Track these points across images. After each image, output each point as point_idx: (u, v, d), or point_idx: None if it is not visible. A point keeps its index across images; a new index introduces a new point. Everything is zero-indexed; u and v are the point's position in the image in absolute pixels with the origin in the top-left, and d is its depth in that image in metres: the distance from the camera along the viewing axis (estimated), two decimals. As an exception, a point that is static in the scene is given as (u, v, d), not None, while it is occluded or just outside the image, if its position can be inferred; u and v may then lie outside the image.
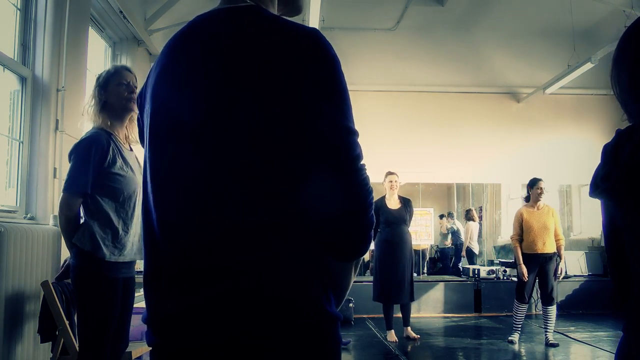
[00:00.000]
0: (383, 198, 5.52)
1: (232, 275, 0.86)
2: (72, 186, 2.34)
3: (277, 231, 0.87)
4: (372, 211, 0.91)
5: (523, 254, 5.10)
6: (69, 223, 2.35)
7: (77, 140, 2.46)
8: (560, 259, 5.12)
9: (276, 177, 0.87)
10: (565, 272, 5.23)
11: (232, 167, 0.87)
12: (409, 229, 5.55)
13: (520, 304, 5.13)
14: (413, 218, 5.64)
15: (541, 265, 5.05)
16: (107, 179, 2.36)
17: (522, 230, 5.15)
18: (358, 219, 0.90)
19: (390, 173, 5.55)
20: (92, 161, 2.33)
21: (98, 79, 2.51)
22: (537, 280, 5.12)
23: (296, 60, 0.88)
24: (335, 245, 0.92)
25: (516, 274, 5.22)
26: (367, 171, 0.91)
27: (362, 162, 0.91)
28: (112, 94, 2.46)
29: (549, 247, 5.04)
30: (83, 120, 2.51)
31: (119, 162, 2.40)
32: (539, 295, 5.31)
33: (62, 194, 2.39)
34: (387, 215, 5.41)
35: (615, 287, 1.19)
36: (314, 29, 0.93)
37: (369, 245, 0.94)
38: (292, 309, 0.86)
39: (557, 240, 5.12)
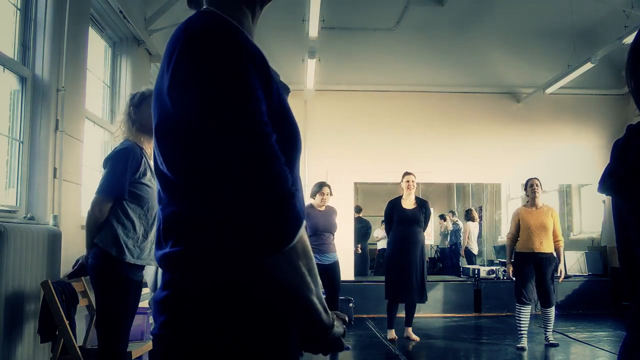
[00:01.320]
0: (399, 198, 5.56)
1: (166, 268, 0.93)
2: (108, 189, 2.56)
3: (194, 226, 0.90)
4: (276, 192, 0.84)
5: (519, 253, 5.01)
6: (96, 224, 2.55)
7: (114, 149, 2.68)
8: (560, 260, 5.01)
9: (183, 172, 0.90)
10: (566, 273, 5.14)
11: (159, 165, 0.95)
12: (426, 230, 5.58)
13: (522, 306, 4.97)
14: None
15: (538, 266, 4.92)
16: (137, 188, 2.60)
17: (517, 230, 5.07)
18: (255, 203, 0.83)
19: (407, 173, 5.59)
20: (129, 169, 2.56)
21: (132, 98, 2.75)
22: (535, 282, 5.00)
23: (169, 53, 0.90)
24: (248, 236, 0.86)
25: (512, 275, 5.15)
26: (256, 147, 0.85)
27: (240, 138, 0.84)
28: (145, 115, 2.65)
29: (546, 247, 4.93)
30: (118, 133, 2.76)
31: (149, 174, 2.64)
32: (537, 297, 5.23)
33: (95, 195, 2.58)
34: (400, 215, 5.44)
35: (624, 282, 1.18)
36: (193, 16, 0.92)
37: (286, 229, 0.84)
38: (202, 306, 0.88)
39: (556, 242, 5.01)
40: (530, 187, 5.10)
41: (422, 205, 5.52)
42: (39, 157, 3.66)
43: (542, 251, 4.92)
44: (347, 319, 1.07)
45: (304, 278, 0.89)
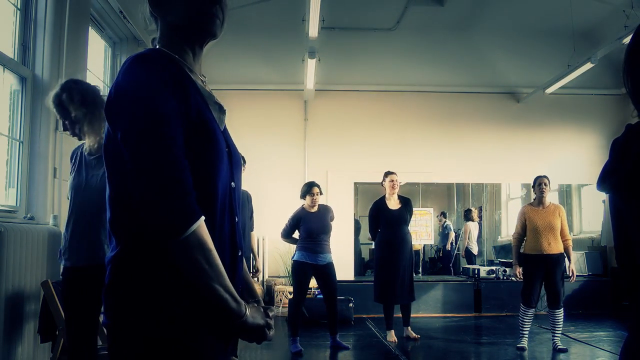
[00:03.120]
0: (383, 198, 5.49)
1: (106, 266, 1.09)
2: None
3: (120, 229, 1.07)
4: (168, 192, 0.98)
5: (527, 255, 4.88)
6: None
7: None
8: (570, 260, 4.87)
9: (111, 183, 1.08)
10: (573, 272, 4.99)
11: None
12: (409, 228, 5.53)
13: (527, 309, 4.86)
14: (412, 217, 5.61)
15: (547, 267, 4.79)
16: (69, 188, 2.50)
17: (523, 230, 4.95)
18: (152, 202, 0.98)
19: (390, 172, 5.50)
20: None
21: None
22: (543, 283, 4.87)
23: None
24: (150, 231, 1.00)
25: (520, 276, 5.06)
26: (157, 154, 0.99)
27: (144, 147, 0.99)
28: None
29: (555, 248, 4.79)
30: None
31: (77, 165, 2.51)
32: (542, 297, 5.16)
33: None
34: (386, 216, 5.38)
35: (624, 283, 1.17)
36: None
37: (172, 222, 0.97)
38: (117, 305, 1.04)
39: (564, 241, 4.86)
40: (538, 185, 4.94)
41: (406, 204, 5.46)
42: (39, 157, 3.66)
43: (551, 252, 4.79)
44: (272, 313, 1.14)
45: (201, 266, 1.00)
